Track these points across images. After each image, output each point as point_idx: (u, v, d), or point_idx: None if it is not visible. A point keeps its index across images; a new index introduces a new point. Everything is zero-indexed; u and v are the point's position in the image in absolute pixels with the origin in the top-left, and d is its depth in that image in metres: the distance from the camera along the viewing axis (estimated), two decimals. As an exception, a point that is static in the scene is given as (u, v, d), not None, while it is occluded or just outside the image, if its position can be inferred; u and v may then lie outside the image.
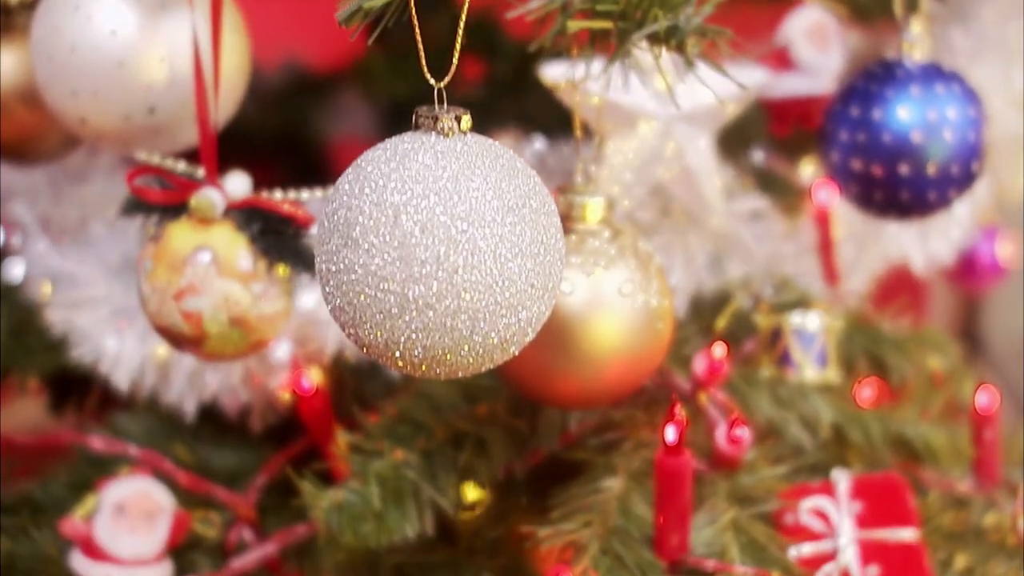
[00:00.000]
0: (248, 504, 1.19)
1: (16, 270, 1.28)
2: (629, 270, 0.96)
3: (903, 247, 1.35)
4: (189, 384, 1.20)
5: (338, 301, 0.78)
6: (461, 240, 0.75)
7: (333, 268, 0.78)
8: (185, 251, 0.97)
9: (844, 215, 1.30)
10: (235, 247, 0.98)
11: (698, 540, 1.01)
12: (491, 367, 0.81)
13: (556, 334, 0.96)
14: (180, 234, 0.98)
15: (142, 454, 1.18)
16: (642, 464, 1.07)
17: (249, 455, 1.25)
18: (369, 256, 0.76)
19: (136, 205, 1.00)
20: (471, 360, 0.78)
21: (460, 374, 0.80)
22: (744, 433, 1.01)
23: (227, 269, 0.97)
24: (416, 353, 0.77)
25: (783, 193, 1.27)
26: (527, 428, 1.10)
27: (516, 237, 0.76)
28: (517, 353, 0.82)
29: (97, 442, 1.20)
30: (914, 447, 1.18)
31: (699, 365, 1.07)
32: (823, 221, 1.27)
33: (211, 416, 1.24)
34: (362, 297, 0.76)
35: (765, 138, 1.27)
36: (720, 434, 1.03)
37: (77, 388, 1.33)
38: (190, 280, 0.97)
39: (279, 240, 0.98)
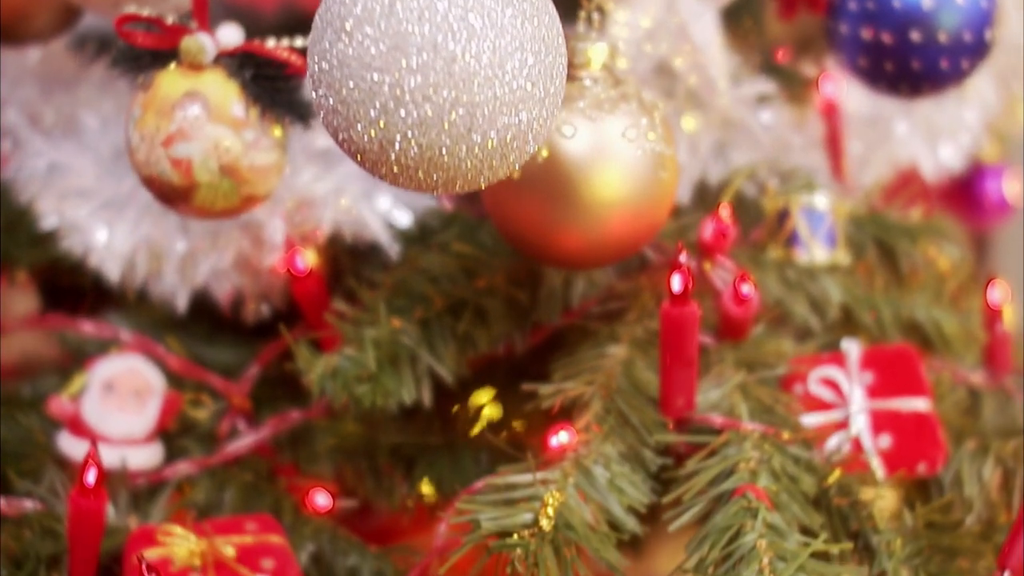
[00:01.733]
0: (242, 393, 1.16)
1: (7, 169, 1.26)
2: (633, 115, 0.94)
3: (912, 151, 1.32)
4: (180, 274, 1.17)
5: (331, 101, 0.75)
6: (459, 28, 0.72)
7: (325, 66, 0.75)
8: (175, 96, 0.95)
9: (852, 113, 1.28)
10: (226, 93, 0.95)
11: (704, 402, 0.98)
12: (491, 178, 0.77)
13: (558, 182, 0.93)
14: (170, 80, 0.95)
15: (133, 338, 1.15)
16: (646, 334, 1.03)
17: (243, 351, 1.21)
18: (363, 48, 0.73)
19: (126, 55, 0.97)
20: (469, 165, 0.75)
21: (459, 185, 0.77)
22: (750, 291, 0.98)
23: (218, 115, 0.94)
24: (412, 154, 0.74)
25: (790, 82, 1.24)
26: (527, 299, 1.06)
27: (516, 30, 0.73)
28: (518, 167, 0.79)
29: (87, 327, 1.17)
30: (925, 332, 1.14)
31: (706, 230, 1.04)
32: (830, 114, 1.25)
33: (204, 312, 1.21)
34: (356, 92, 0.74)
35: (771, 23, 1.24)
36: (727, 296, 1.00)
37: (70, 295, 1.30)
38: (180, 125, 0.94)
39: (272, 87, 0.95)
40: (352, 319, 1.04)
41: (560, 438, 0.92)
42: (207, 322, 1.22)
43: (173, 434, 1.14)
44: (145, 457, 1.10)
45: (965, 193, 1.67)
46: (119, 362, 1.10)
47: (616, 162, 0.93)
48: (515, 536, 0.85)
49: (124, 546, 0.99)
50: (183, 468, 1.11)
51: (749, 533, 0.87)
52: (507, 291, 1.06)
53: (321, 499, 1.09)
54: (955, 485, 1.05)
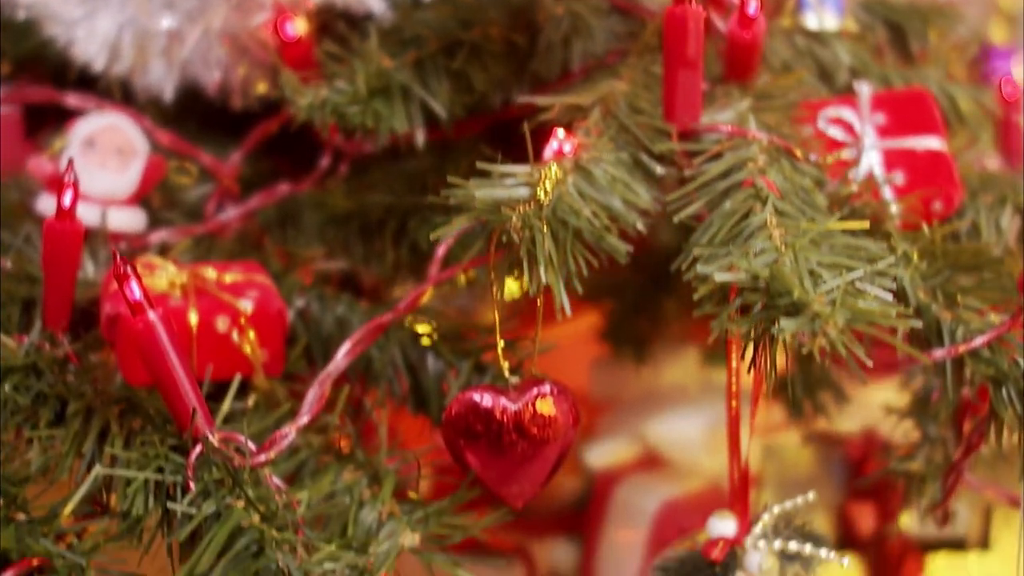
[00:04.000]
0: (230, 173, 1.12)
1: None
2: None
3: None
4: (167, 58, 1.13)
5: None
6: None
7: None
8: None
9: None
10: None
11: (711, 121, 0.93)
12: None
13: None
14: None
15: (122, 110, 1.11)
16: (648, 76, 0.99)
17: (231, 143, 1.17)
18: None
19: None
20: None
21: None
22: (756, 10, 0.94)
23: None
24: None
25: None
26: (526, 46, 1.02)
27: None
28: None
29: (72, 99, 1.13)
30: (939, 106, 1.10)
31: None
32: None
33: (192, 109, 1.17)
34: None
35: None
36: (732, 22, 0.95)
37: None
38: None
39: None
40: (342, 58, 1.00)
41: (558, 139, 0.87)
42: (196, 118, 1.18)
43: (158, 208, 1.09)
44: (127, 219, 1.05)
45: (973, 76, 1.64)
46: (101, 119, 1.06)
47: None
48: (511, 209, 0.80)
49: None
50: (167, 235, 1.06)
51: (758, 214, 0.82)
52: (505, 36, 1.02)
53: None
54: (973, 235, 1.00)
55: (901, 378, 1.08)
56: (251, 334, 0.92)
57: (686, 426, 1.20)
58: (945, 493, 0.98)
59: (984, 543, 1.24)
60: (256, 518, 0.80)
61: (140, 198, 1.06)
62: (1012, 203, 1.01)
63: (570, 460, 1.37)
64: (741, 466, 0.92)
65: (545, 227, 0.81)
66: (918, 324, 0.79)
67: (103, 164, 1.04)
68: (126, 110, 1.11)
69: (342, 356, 0.89)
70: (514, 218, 0.80)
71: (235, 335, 0.92)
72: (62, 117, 1.12)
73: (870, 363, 0.77)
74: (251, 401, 0.94)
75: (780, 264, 0.75)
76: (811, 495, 0.93)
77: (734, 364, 0.87)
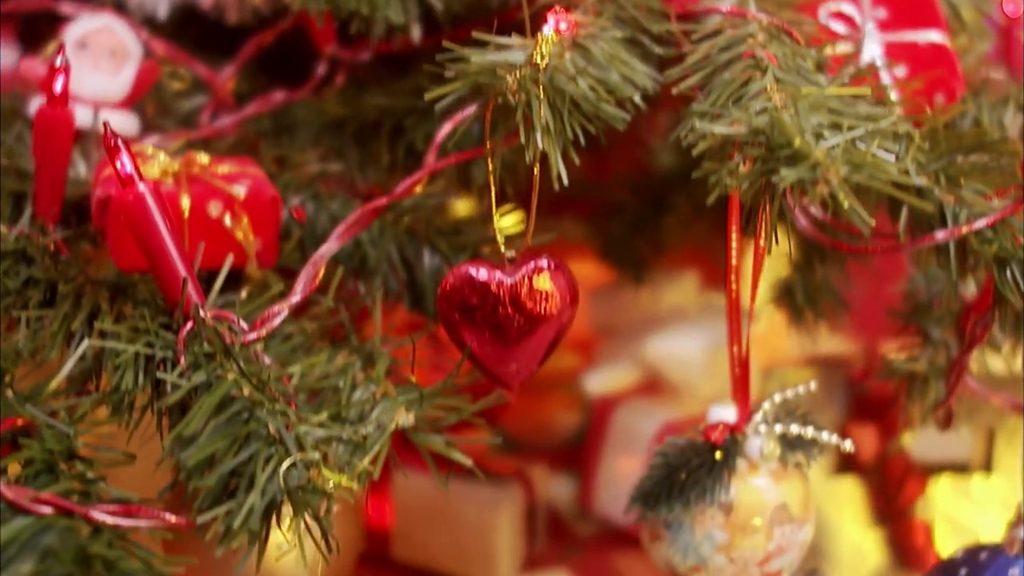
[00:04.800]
0: (225, 83, 1.10)
1: None
2: None
3: None
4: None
5: None
6: None
7: None
8: None
9: None
10: None
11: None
12: None
13: None
14: None
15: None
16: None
17: (227, 60, 1.16)
18: None
19: None
20: None
21: None
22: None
23: None
24: None
25: None
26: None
27: None
28: None
29: (66, 7, 1.11)
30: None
31: None
32: None
33: (187, 27, 1.16)
34: None
35: None
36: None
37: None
38: None
39: None
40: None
41: (555, 17, 0.86)
42: (192, 36, 1.17)
43: (151, 116, 1.08)
44: (119, 122, 1.03)
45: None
46: (94, 20, 1.05)
47: None
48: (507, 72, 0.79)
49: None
50: (159, 139, 1.05)
51: (757, 81, 0.81)
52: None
53: None
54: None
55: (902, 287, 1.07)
56: (244, 220, 0.91)
57: (686, 346, 1.18)
58: (948, 390, 0.97)
59: (987, 465, 1.23)
60: (247, 389, 0.79)
61: (133, 102, 1.05)
62: (1015, 102, 1.00)
63: (569, 394, 1.36)
64: (742, 355, 0.90)
65: (541, 92, 0.79)
66: (920, 182, 0.78)
67: (96, 65, 1.03)
68: (120, 14, 1.09)
69: (335, 238, 0.88)
70: (510, 80, 0.79)
71: (228, 220, 0.91)
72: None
73: (872, 221, 0.75)
74: (244, 293, 0.93)
75: (781, 117, 0.74)
76: (812, 384, 0.92)
77: (734, 237, 0.86)
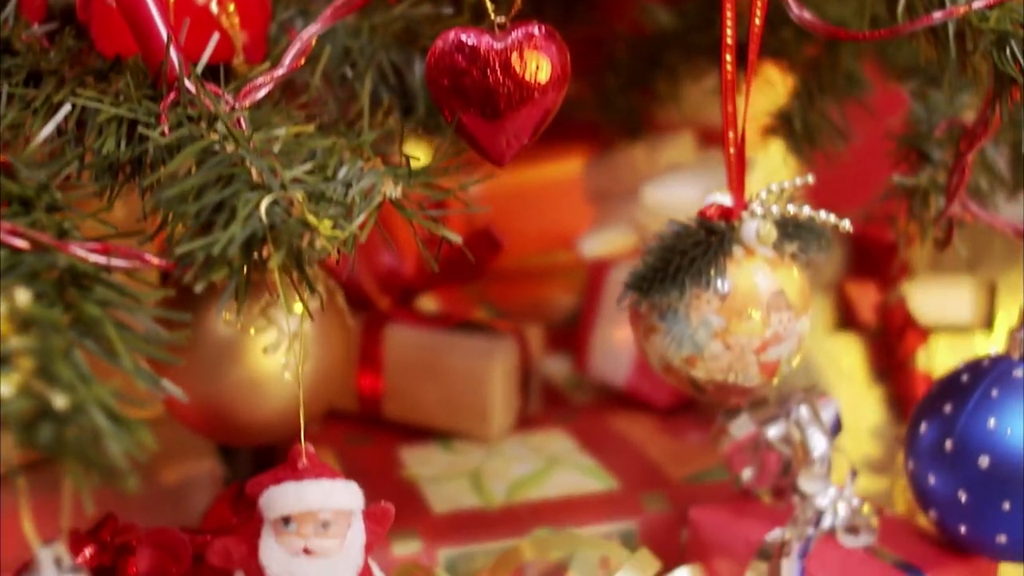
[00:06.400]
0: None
1: None
2: None
3: None
4: None
5: None
6: None
7: None
8: None
9: None
10: None
11: None
12: None
13: None
14: None
15: None
16: None
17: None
18: None
19: None
20: None
21: None
22: None
23: None
24: None
25: None
26: None
27: None
28: None
29: None
30: None
31: None
32: None
33: None
34: None
35: None
36: None
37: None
38: None
39: None
40: None
41: None
42: None
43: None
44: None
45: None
46: None
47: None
48: None
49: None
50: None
51: None
52: None
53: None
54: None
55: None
56: (231, 7, 0.90)
57: (683, 195, 1.16)
58: (950, 194, 0.95)
59: (988, 324, 1.20)
60: (231, 146, 0.77)
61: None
62: None
63: (565, 275, 1.34)
64: (737, 141, 0.88)
65: None
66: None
67: None
68: None
69: (322, 19, 0.86)
70: None
71: (214, 7, 0.89)
72: None
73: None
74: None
75: None
76: (809, 177, 0.90)
77: (728, 11, 0.84)
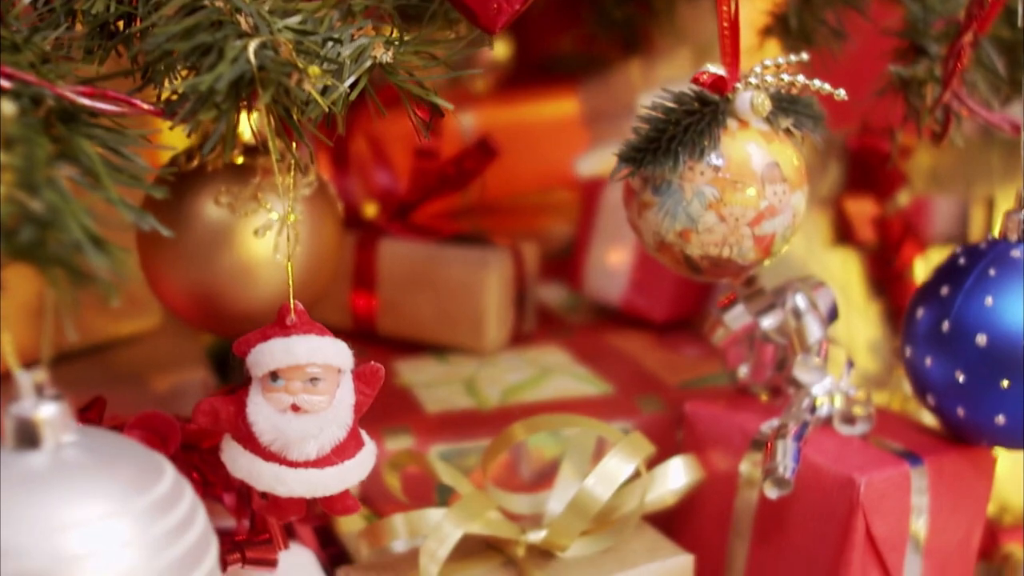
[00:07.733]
0: None
1: None
2: None
3: None
4: None
5: None
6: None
7: None
8: None
9: None
10: None
11: None
12: None
13: None
14: None
15: None
16: None
17: None
18: None
19: None
20: None
21: None
22: None
23: None
24: None
25: None
26: None
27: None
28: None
29: None
30: None
31: None
32: None
33: None
34: None
35: None
36: None
37: None
38: None
39: None
40: None
41: None
42: None
43: None
44: None
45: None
46: None
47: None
48: None
49: None
50: None
51: None
52: None
53: None
54: None
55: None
56: None
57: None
58: (945, 79, 0.94)
59: (988, 238, 1.19)
60: (220, 2, 0.77)
61: None
62: None
63: (561, 208, 1.33)
64: (731, 14, 0.88)
65: None
66: None
67: None
68: None
69: None
70: None
71: None
72: None
73: None
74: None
75: None
76: (804, 55, 0.89)
77: None
